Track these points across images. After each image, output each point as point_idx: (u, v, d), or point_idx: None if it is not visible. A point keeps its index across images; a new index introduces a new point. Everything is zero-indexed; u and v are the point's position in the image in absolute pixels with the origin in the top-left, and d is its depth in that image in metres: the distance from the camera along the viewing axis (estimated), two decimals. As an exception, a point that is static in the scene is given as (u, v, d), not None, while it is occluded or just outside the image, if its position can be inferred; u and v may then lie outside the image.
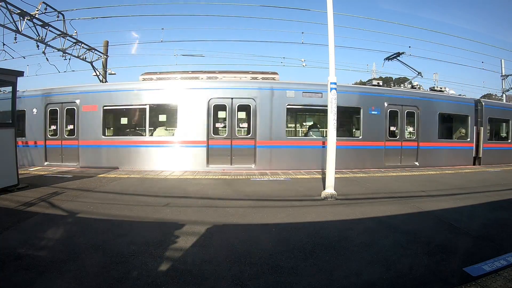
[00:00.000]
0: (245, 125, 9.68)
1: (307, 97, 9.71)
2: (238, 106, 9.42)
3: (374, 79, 16.11)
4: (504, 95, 17.23)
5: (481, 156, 11.78)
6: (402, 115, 10.62)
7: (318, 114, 11.57)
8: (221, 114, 9.47)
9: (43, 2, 9.93)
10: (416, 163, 10.60)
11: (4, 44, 9.70)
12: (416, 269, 3.03)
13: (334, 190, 5.79)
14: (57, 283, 2.66)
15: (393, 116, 10.53)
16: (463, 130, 11.98)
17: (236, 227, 4.19)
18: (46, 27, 10.38)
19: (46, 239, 3.69)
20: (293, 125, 11.63)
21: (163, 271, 2.89)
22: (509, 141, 12.88)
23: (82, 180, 7.30)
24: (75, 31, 11.64)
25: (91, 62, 13.52)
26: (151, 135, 9.85)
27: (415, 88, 12.16)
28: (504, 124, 13.34)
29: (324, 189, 5.92)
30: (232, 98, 9.39)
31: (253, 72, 11.50)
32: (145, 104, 9.58)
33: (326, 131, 9.12)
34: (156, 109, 9.92)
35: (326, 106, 5.86)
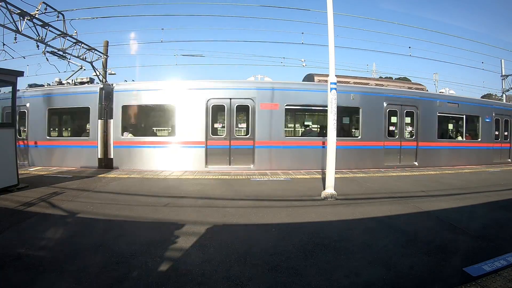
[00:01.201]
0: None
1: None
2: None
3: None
4: (504, 95, 17.20)
5: (112, 157, 9.59)
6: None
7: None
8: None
9: (43, 2, 9.91)
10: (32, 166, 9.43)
11: (4, 44, 9.66)
12: (416, 269, 3.03)
13: (334, 190, 5.79)
14: (57, 283, 2.66)
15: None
16: (86, 126, 10.29)
17: (236, 227, 4.19)
18: (46, 27, 10.35)
19: (46, 239, 3.70)
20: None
21: (163, 271, 2.89)
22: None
23: (82, 180, 7.30)
24: (75, 31, 11.62)
25: (91, 62, 13.51)
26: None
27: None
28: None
29: (324, 189, 5.92)
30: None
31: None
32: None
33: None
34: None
35: None
